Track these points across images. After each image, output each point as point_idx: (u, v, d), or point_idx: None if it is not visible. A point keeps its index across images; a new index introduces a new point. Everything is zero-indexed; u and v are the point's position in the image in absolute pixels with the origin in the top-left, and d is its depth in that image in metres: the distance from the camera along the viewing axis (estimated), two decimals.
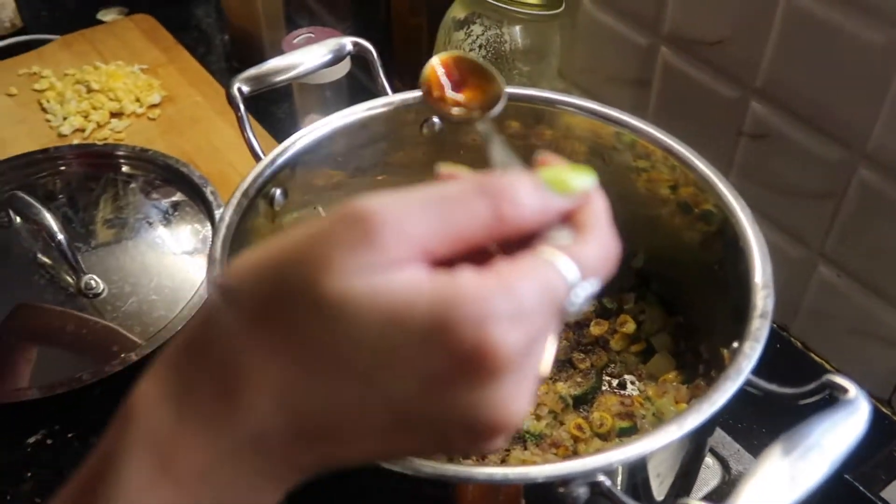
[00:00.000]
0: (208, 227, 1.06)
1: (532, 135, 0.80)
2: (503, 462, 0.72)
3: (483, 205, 0.37)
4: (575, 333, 0.83)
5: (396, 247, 0.35)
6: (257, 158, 0.75)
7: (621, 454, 0.53)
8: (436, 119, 0.81)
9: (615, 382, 0.81)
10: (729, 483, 0.82)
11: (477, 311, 0.34)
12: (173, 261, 1.03)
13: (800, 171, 0.89)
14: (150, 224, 1.07)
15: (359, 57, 0.84)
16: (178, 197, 1.11)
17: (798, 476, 0.50)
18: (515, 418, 0.37)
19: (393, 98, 0.79)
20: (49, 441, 0.89)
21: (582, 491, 0.54)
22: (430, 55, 1.16)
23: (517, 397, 0.37)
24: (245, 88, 0.76)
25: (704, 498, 0.80)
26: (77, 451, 0.87)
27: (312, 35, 1.14)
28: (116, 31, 1.38)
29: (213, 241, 0.66)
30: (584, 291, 0.39)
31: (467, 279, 0.35)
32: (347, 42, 0.80)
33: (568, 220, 0.41)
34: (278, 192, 0.74)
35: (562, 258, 0.38)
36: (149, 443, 0.37)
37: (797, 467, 0.50)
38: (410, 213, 0.36)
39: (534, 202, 0.39)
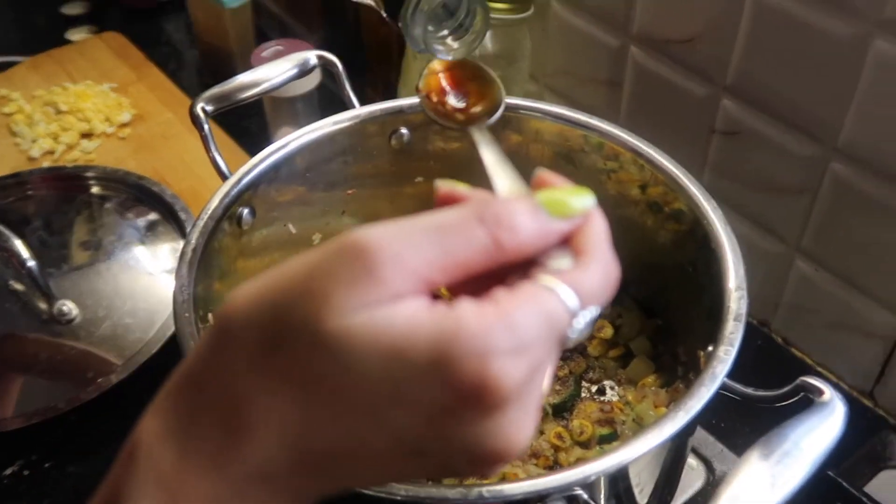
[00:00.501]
0: (179, 244, 1.05)
1: (500, 139, 0.79)
2: (483, 475, 0.71)
3: (482, 232, 0.37)
4: None
5: (397, 281, 0.35)
6: (223, 178, 0.74)
7: (597, 466, 0.52)
8: (404, 129, 0.80)
9: (594, 388, 0.80)
10: (713, 484, 0.82)
11: (478, 345, 0.34)
12: (148, 281, 1.02)
13: (773, 166, 0.89)
14: (126, 244, 1.06)
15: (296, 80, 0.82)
16: (152, 216, 1.10)
17: (778, 479, 0.50)
18: (520, 446, 0.37)
19: (360, 111, 0.78)
20: (26, 472, 0.87)
21: None
22: (400, 64, 1.16)
23: (521, 426, 0.37)
24: (209, 108, 0.75)
25: (689, 501, 0.79)
26: (55, 480, 0.85)
27: (282, 48, 1.13)
28: (86, 50, 1.37)
29: (178, 265, 0.65)
30: (584, 318, 0.38)
31: (467, 312, 0.35)
32: (312, 56, 0.79)
33: (567, 242, 0.40)
34: (245, 211, 0.73)
35: (562, 286, 0.37)
36: (155, 479, 0.37)
37: (776, 471, 0.50)
38: (410, 245, 0.36)
39: (532, 227, 0.38)
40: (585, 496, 0.53)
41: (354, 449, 0.37)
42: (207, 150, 0.75)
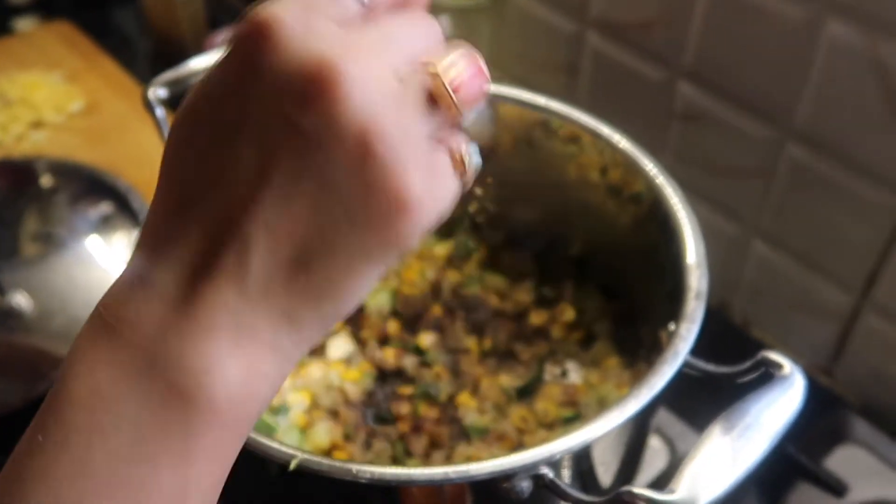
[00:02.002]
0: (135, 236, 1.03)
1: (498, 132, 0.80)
2: (448, 459, 0.71)
3: None
4: (516, 324, 0.82)
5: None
6: None
7: (562, 444, 0.52)
8: None
9: (557, 371, 0.80)
10: (676, 464, 0.81)
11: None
12: (102, 274, 1.00)
13: (731, 150, 0.89)
14: (79, 237, 1.03)
15: None
16: (105, 208, 1.08)
17: (739, 454, 0.50)
18: (414, 188, 0.33)
19: None
20: None
21: (525, 485, 0.53)
22: None
23: (403, 151, 0.33)
24: (163, 93, 0.73)
25: (653, 481, 0.80)
26: None
27: None
28: (33, 39, 1.34)
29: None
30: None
31: None
32: None
33: None
34: None
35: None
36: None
37: (737, 446, 0.50)
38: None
39: None
40: (551, 475, 0.53)
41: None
42: (161, 136, 0.73)
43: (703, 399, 0.86)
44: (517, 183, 0.82)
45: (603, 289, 0.83)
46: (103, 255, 1.01)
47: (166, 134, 0.73)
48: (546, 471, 0.53)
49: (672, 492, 0.47)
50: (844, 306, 0.87)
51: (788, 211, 0.88)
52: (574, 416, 0.74)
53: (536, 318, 0.82)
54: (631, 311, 0.81)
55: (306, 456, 0.51)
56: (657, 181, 0.69)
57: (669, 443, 0.84)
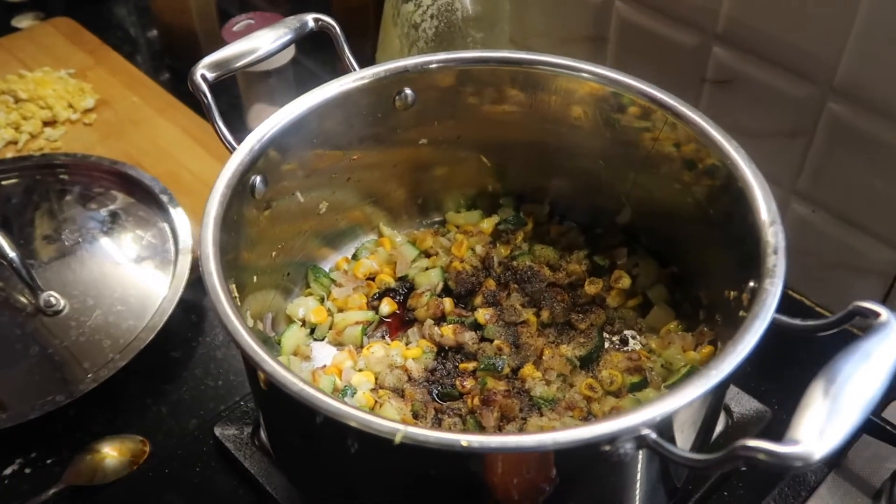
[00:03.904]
0: (163, 228, 1.01)
1: (536, 103, 0.79)
2: (521, 431, 0.70)
3: None
4: (570, 295, 0.82)
5: None
6: (230, 148, 0.71)
7: (668, 405, 0.52)
8: (408, 90, 0.78)
9: (616, 339, 0.80)
10: (734, 427, 0.82)
11: None
12: (134, 268, 0.98)
13: (768, 111, 0.89)
14: (106, 232, 1.02)
15: (302, 41, 0.80)
16: (118, 204, 1.06)
17: (847, 407, 0.49)
18: None
19: (364, 72, 0.76)
20: (28, 470, 0.84)
21: (629, 446, 0.53)
22: (377, 31, 1.14)
23: None
24: (209, 75, 0.72)
25: (714, 442, 0.80)
26: (58, 476, 0.82)
27: (252, 21, 1.10)
28: (35, 36, 1.31)
29: (202, 237, 0.63)
30: None
31: None
32: (309, 19, 0.77)
33: None
34: (258, 179, 0.71)
35: None
36: None
37: (844, 399, 0.50)
38: None
39: None
40: (654, 435, 0.53)
41: None
42: (212, 120, 0.72)
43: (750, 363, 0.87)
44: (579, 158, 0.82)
45: (655, 255, 0.83)
46: (133, 250, 1.00)
47: (215, 114, 0.72)
48: (648, 431, 0.52)
49: (794, 442, 0.47)
50: (887, 263, 0.88)
51: (827, 170, 0.88)
52: (641, 381, 0.74)
53: (591, 287, 0.81)
54: (685, 275, 0.81)
55: (411, 429, 0.50)
56: (722, 143, 0.69)
57: (725, 407, 0.84)
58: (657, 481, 0.65)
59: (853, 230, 0.89)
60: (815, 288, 0.96)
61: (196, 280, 0.97)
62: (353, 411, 0.52)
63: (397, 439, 0.51)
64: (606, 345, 0.79)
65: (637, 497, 0.64)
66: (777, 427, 0.81)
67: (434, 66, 0.77)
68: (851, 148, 0.85)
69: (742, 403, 0.84)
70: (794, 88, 0.86)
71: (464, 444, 0.50)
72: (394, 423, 0.51)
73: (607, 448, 0.53)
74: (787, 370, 0.86)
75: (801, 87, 0.85)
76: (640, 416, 0.52)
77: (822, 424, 0.48)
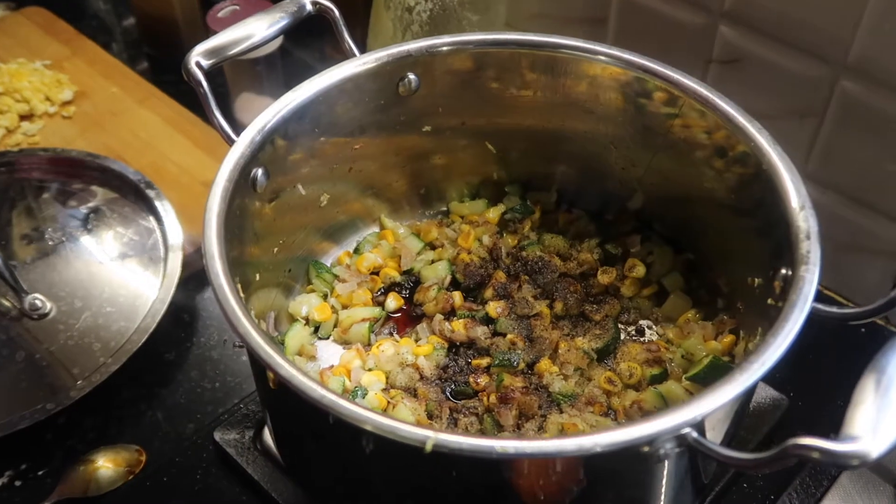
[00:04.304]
0: (149, 224, 0.97)
1: (561, 87, 0.76)
2: (541, 429, 0.68)
3: None
4: (583, 285, 0.79)
5: None
6: (229, 140, 0.67)
7: (712, 402, 0.49)
8: (412, 75, 0.75)
9: (632, 329, 0.78)
10: (752, 416, 0.80)
11: None
12: (120, 266, 0.94)
13: (776, 92, 0.87)
14: (90, 230, 0.97)
15: (290, 30, 0.76)
16: (99, 200, 1.02)
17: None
18: None
19: (365, 57, 0.73)
20: (18, 483, 0.80)
21: (669, 447, 0.50)
22: (367, 17, 1.10)
23: None
24: (205, 62, 0.68)
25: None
26: (50, 489, 0.78)
27: (238, 7, 1.05)
28: (7, 27, 1.26)
29: (205, 233, 0.59)
30: None
31: None
32: (307, 2, 0.73)
33: None
34: (260, 171, 0.67)
35: None
36: None
37: (893, 394, 0.47)
38: None
39: None
40: (695, 434, 0.50)
41: None
42: (208, 110, 0.68)
43: None
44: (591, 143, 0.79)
45: (669, 242, 0.81)
46: (118, 248, 0.96)
47: (212, 105, 0.68)
48: (688, 430, 0.50)
49: (850, 439, 0.45)
50: None
51: (838, 150, 0.86)
52: (661, 373, 0.72)
53: (604, 276, 0.79)
54: (701, 262, 0.78)
55: (443, 436, 0.47)
56: (747, 127, 0.66)
57: None
58: (685, 478, 0.63)
59: (865, 211, 0.87)
60: (825, 271, 0.94)
61: (188, 278, 0.93)
62: (381, 419, 0.49)
63: (428, 447, 0.48)
64: (622, 336, 0.77)
65: (664, 494, 0.62)
66: (795, 415, 0.79)
67: (443, 49, 0.73)
68: (864, 127, 0.83)
69: (758, 391, 0.82)
70: (804, 67, 0.83)
71: (499, 450, 0.47)
72: (423, 430, 0.48)
73: (646, 449, 0.50)
74: (799, 357, 0.84)
75: (812, 66, 0.83)
76: (683, 416, 0.49)
77: (875, 421, 0.46)
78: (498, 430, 0.68)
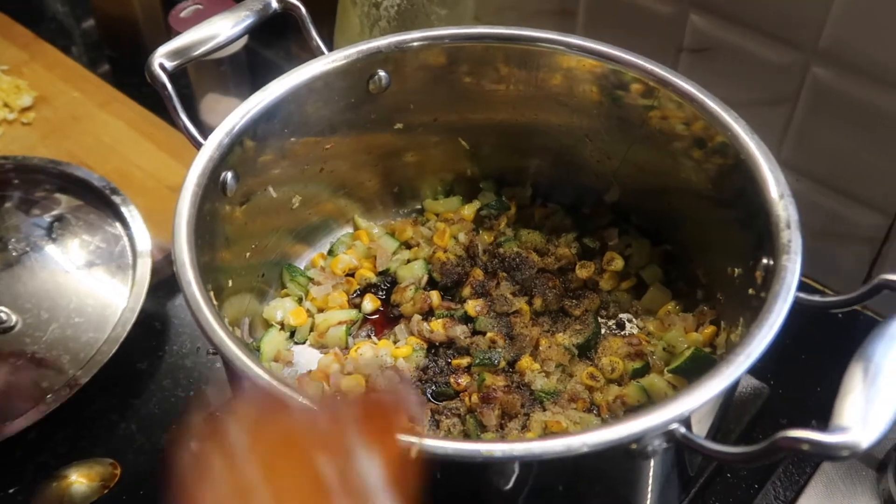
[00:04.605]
0: (116, 231, 0.95)
1: (535, 80, 0.75)
2: (524, 428, 0.67)
3: None
4: (561, 280, 0.78)
5: None
6: (196, 143, 0.66)
7: (699, 397, 0.49)
8: (382, 72, 0.74)
9: (612, 323, 0.77)
10: (734, 405, 0.79)
11: None
12: (86, 276, 0.92)
13: (748, 80, 0.87)
14: (55, 239, 0.95)
15: (256, 29, 0.74)
16: (63, 208, 0.99)
17: (883, 392, 0.47)
18: None
19: (335, 55, 0.71)
20: None
21: (657, 443, 0.49)
22: (333, 13, 1.08)
23: None
24: (168, 64, 0.66)
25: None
26: None
27: (201, 6, 1.03)
28: None
29: (175, 239, 0.57)
30: None
31: None
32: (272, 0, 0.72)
33: None
34: (229, 175, 0.66)
35: None
36: None
37: (886, 380, 0.47)
38: None
39: None
40: (683, 430, 0.49)
41: None
42: (173, 112, 0.67)
43: None
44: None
45: (646, 234, 0.80)
46: (84, 256, 0.93)
47: (178, 107, 0.67)
48: (676, 426, 0.49)
49: (840, 430, 0.44)
50: (876, 229, 0.86)
51: (811, 137, 0.86)
52: (643, 367, 0.71)
53: (583, 271, 0.78)
54: (679, 253, 0.78)
55: (428, 441, 0.46)
56: (724, 118, 0.66)
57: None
58: (672, 472, 0.62)
59: (839, 197, 0.87)
60: (805, 258, 0.94)
61: (157, 285, 0.91)
62: None
63: (413, 453, 0.46)
64: (603, 330, 0.76)
65: (651, 489, 0.61)
66: (776, 403, 0.79)
67: (414, 44, 0.72)
68: (836, 113, 0.82)
69: (748, 380, 0.82)
70: (775, 54, 0.83)
71: (485, 453, 0.46)
72: (409, 437, 0.47)
73: (634, 446, 0.49)
74: (778, 345, 0.84)
75: (784, 53, 0.82)
76: (671, 412, 0.49)
77: (864, 411, 0.45)
78: (481, 430, 0.67)
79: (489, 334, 0.73)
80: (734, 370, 0.50)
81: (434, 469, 0.52)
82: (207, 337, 0.53)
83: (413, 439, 0.47)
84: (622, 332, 0.76)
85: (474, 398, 0.69)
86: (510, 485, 0.54)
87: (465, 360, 0.72)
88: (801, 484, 0.74)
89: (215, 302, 0.59)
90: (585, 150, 0.80)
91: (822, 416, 0.47)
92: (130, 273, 0.90)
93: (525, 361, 0.71)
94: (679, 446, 0.50)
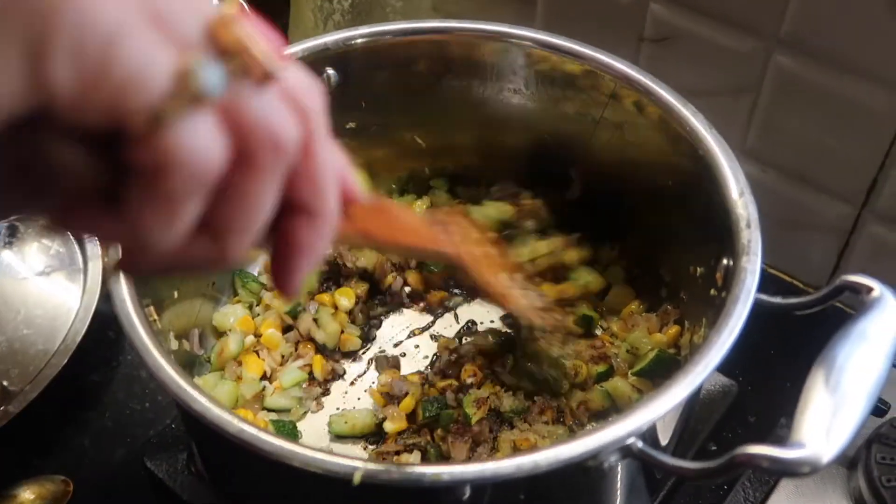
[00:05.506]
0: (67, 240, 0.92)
1: (489, 75, 0.73)
2: (493, 450, 0.64)
3: None
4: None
5: None
6: None
7: (656, 409, 0.47)
8: (330, 70, 0.71)
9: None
10: (701, 404, 0.78)
11: None
12: (38, 284, 0.89)
13: (710, 69, 0.85)
14: None
15: None
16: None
17: (851, 397, 0.45)
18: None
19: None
20: None
21: (614, 459, 0.47)
22: (286, 7, 1.05)
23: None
24: None
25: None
26: None
27: None
28: None
29: (110, 257, 0.54)
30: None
31: None
32: None
33: None
34: None
35: None
36: None
37: (847, 388, 0.45)
38: None
39: None
40: (640, 444, 0.47)
41: None
42: None
43: None
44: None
45: (607, 232, 0.78)
46: (25, 266, 0.90)
47: None
48: (633, 440, 0.47)
49: (799, 446, 0.42)
50: (843, 218, 0.84)
51: (775, 127, 0.84)
52: (607, 370, 0.69)
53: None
54: (644, 251, 0.76)
55: (372, 465, 0.44)
56: (684, 115, 0.64)
57: None
58: (637, 478, 0.60)
59: (805, 187, 0.86)
60: (770, 249, 0.92)
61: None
62: (305, 452, 0.45)
63: (356, 479, 0.44)
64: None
65: (618, 494, 0.59)
66: (745, 400, 0.78)
67: (358, 41, 0.69)
68: (800, 102, 0.81)
69: (716, 381, 0.80)
70: (737, 42, 0.81)
71: (432, 477, 0.44)
72: (351, 461, 0.45)
73: (591, 463, 0.47)
74: (746, 340, 0.83)
75: (745, 41, 0.80)
76: (626, 427, 0.47)
77: (827, 422, 0.44)
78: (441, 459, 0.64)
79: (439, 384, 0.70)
80: (692, 380, 0.48)
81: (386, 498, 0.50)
82: (144, 363, 0.50)
83: (356, 464, 0.45)
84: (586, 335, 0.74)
85: (438, 432, 0.66)
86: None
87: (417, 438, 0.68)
88: (771, 484, 0.73)
89: (155, 318, 0.56)
90: (544, 147, 0.78)
91: (792, 412, 0.45)
92: (81, 278, 0.87)
93: (487, 387, 0.69)
94: (637, 460, 0.48)
